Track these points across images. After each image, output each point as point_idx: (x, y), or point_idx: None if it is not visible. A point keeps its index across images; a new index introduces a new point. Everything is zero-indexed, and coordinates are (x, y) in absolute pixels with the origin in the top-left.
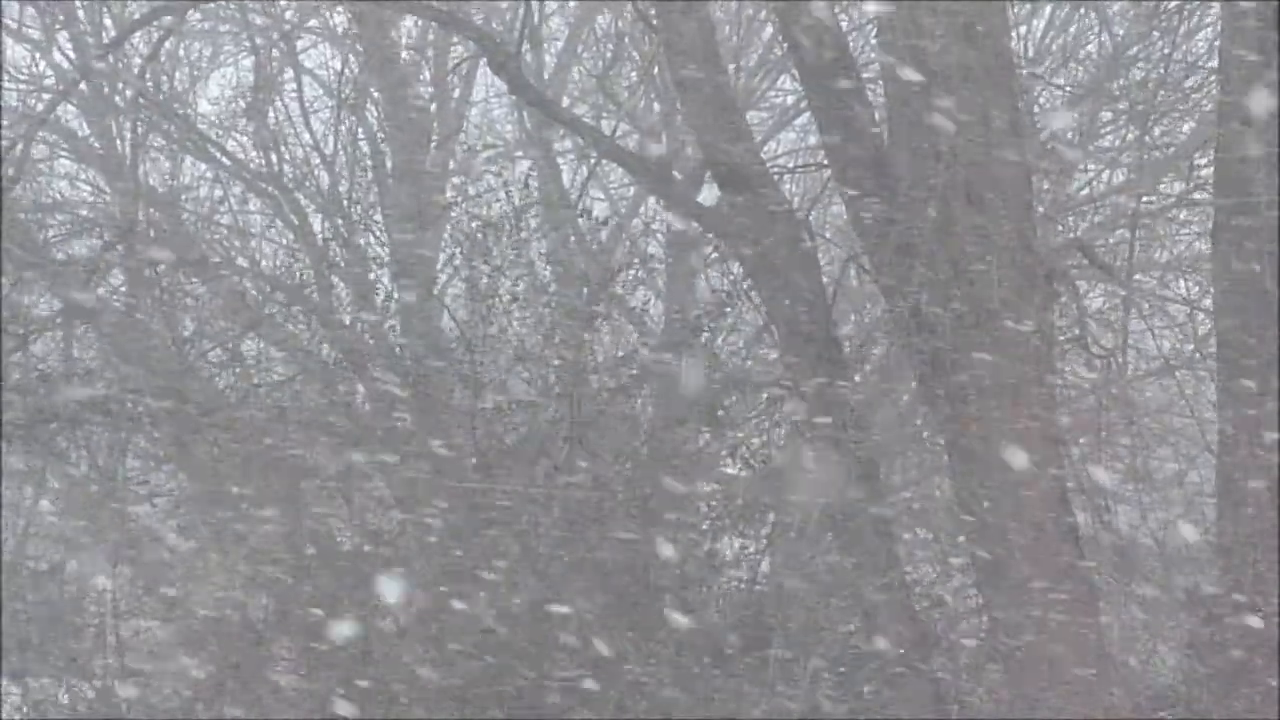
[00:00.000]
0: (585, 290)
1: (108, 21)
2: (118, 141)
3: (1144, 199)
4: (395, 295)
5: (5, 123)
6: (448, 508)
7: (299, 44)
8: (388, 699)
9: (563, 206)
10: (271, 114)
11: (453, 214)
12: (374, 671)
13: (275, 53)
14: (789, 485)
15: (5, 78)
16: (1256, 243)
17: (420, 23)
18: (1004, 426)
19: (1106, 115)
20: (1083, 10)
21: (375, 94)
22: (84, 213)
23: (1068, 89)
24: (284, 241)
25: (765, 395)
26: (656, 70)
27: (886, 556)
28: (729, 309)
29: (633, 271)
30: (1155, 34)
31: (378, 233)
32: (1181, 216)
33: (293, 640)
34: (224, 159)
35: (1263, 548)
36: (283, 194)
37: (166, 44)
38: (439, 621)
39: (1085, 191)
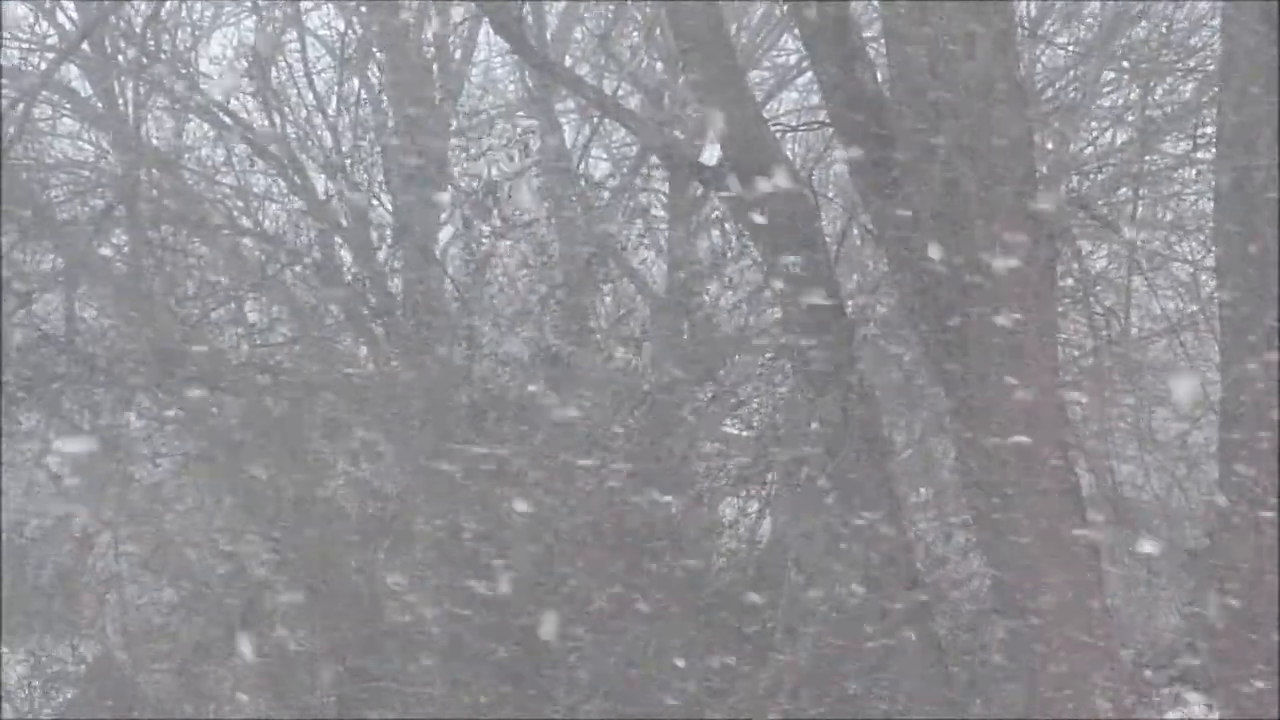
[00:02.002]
0: (587, 250)
1: None
2: (120, 101)
3: (1147, 159)
4: (397, 255)
5: (7, 82)
6: (447, 467)
7: (301, 4)
8: (387, 654)
9: (564, 167)
10: (274, 74)
11: (454, 174)
12: (375, 628)
13: (277, 13)
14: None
15: (7, 37)
16: (1259, 202)
17: None
18: (1006, 386)
19: (1109, 74)
20: None
21: (377, 54)
22: (86, 173)
23: (1070, 48)
24: (286, 202)
25: (767, 355)
26: (658, 30)
27: (888, 516)
28: (730, 268)
29: (634, 231)
30: None
31: (380, 193)
32: (1184, 176)
33: (295, 598)
34: (226, 119)
35: (1265, 508)
36: (285, 155)
37: (168, 3)
38: (438, 579)
39: (1088, 151)
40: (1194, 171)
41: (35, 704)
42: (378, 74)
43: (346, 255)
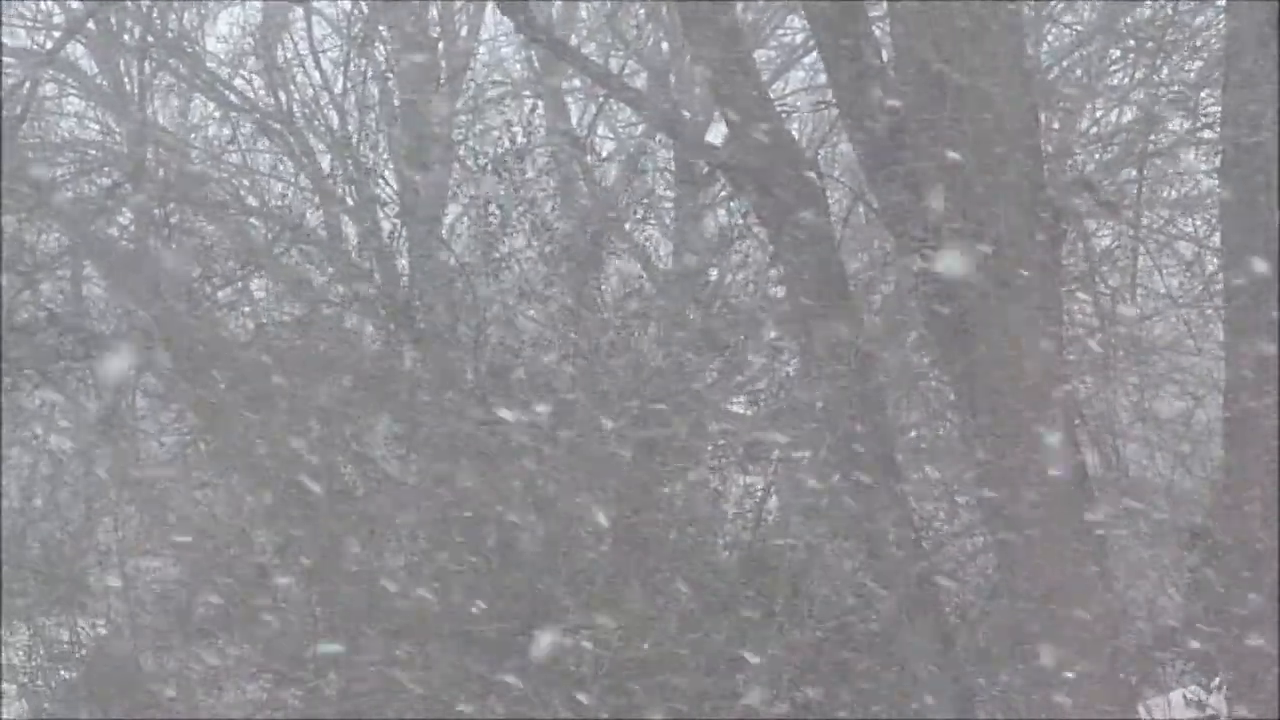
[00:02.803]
0: (591, 228)
1: None
2: (126, 80)
3: (1151, 137)
4: (403, 233)
5: (13, 61)
6: (453, 446)
7: None
8: (391, 634)
9: (570, 145)
10: (280, 53)
11: (460, 152)
12: (378, 607)
13: None
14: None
15: (13, 16)
16: (1264, 180)
17: None
18: (1011, 365)
19: (1115, 53)
20: None
21: (384, 33)
22: (92, 152)
23: (1076, 27)
24: (292, 180)
25: (772, 334)
26: (664, 9)
27: (893, 495)
28: (736, 246)
29: (639, 210)
30: None
31: (385, 172)
32: (1190, 155)
33: (298, 576)
34: (232, 98)
35: (1269, 486)
36: (291, 133)
37: None
38: (442, 558)
39: (1093, 130)
40: (1199, 149)
41: (38, 684)
42: (384, 52)
43: (352, 233)
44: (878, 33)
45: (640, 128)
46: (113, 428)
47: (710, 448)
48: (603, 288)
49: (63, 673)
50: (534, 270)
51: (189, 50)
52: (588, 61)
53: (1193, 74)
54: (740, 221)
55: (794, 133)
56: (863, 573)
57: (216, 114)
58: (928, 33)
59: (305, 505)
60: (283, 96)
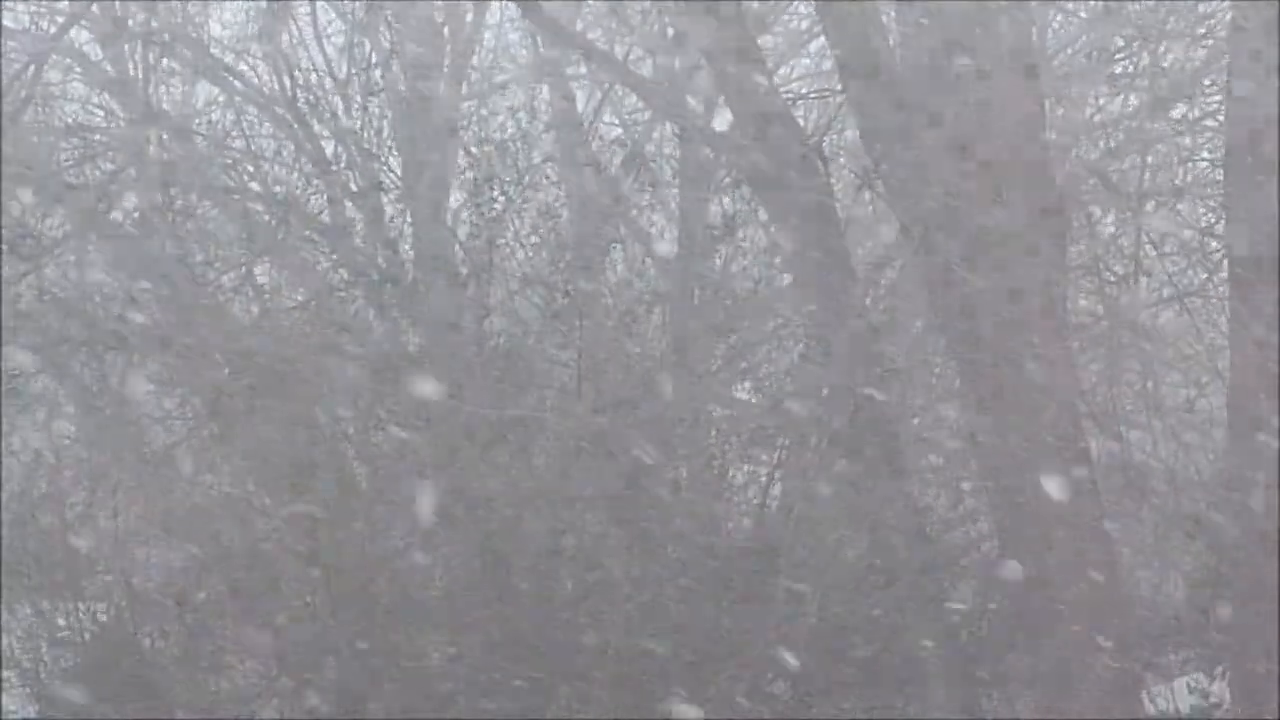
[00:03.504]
0: (596, 214)
1: None
2: (130, 65)
3: (1154, 125)
4: (408, 220)
5: (17, 46)
6: (457, 430)
7: None
8: (393, 618)
9: (575, 131)
10: (285, 38)
11: (465, 139)
12: (380, 592)
13: None
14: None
15: (17, 1)
16: (1267, 168)
17: None
18: (1016, 352)
19: (1119, 41)
20: None
21: (389, 17)
22: (97, 137)
23: (1080, 14)
24: (297, 166)
25: (778, 319)
26: None
27: (897, 481)
28: (740, 232)
29: (645, 196)
30: None
31: (390, 158)
32: (1193, 142)
33: (300, 562)
34: (237, 83)
35: (1272, 474)
36: (296, 119)
37: None
38: (446, 543)
39: (1097, 118)
40: (1203, 137)
41: (40, 670)
42: (389, 38)
43: (357, 219)
44: (885, 19)
45: (646, 114)
46: (116, 413)
47: (714, 434)
48: (607, 274)
49: (64, 659)
50: (538, 256)
51: (193, 36)
52: (593, 47)
53: (1196, 62)
54: (745, 208)
55: (799, 119)
56: (866, 559)
57: (220, 99)
58: (935, 20)
59: (308, 491)
60: (286, 81)
